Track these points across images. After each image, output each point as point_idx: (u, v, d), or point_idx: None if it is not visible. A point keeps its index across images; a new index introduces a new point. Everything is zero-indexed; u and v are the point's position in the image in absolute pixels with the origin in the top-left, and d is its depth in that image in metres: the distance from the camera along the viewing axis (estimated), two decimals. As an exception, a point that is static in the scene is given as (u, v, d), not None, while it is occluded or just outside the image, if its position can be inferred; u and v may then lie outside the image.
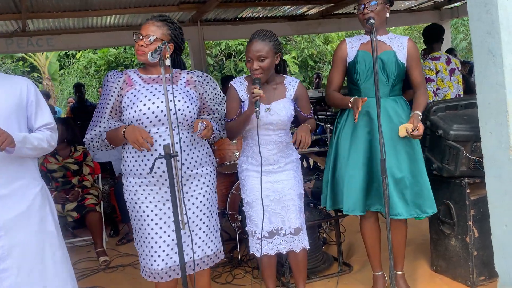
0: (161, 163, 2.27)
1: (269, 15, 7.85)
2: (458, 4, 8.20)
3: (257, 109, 2.36)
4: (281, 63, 2.68)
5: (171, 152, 2.14)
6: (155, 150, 2.31)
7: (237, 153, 3.97)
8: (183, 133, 2.37)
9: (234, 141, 3.99)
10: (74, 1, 5.60)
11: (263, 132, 2.56)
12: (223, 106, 2.62)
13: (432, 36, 4.42)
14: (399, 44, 2.72)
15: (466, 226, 2.82)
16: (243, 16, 7.78)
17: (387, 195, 2.42)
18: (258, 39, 2.50)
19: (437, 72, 4.30)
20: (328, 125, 4.19)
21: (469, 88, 5.14)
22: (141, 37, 2.34)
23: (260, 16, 7.86)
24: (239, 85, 2.62)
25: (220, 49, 14.21)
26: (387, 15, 2.68)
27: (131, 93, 2.36)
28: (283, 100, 2.61)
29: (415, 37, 16.11)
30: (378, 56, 2.68)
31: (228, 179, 4.23)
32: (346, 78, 2.87)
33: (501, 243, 2.22)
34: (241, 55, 14.26)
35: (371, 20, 2.37)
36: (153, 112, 2.30)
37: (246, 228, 2.72)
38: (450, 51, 7.62)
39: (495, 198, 2.22)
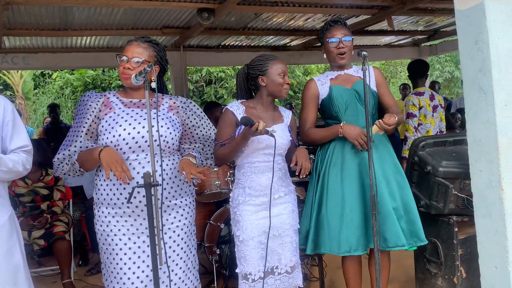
0: (138, 192, 2.14)
1: (252, 44, 7.87)
2: (436, 42, 8.42)
3: (271, 131, 2.30)
4: None
5: (152, 181, 2.01)
6: (133, 178, 2.16)
7: (217, 182, 3.84)
8: (163, 161, 2.24)
9: (215, 169, 3.86)
10: (54, 19, 5.45)
11: (261, 158, 2.44)
12: (209, 131, 2.51)
13: (417, 72, 4.47)
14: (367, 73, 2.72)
15: (453, 266, 2.74)
16: (226, 44, 7.77)
17: (378, 230, 2.33)
18: (282, 60, 2.53)
19: (420, 108, 4.32)
20: (311, 156, 4.11)
21: (449, 125, 5.19)
22: (126, 59, 2.22)
23: (243, 44, 7.87)
24: (236, 109, 2.51)
25: (201, 75, 14.19)
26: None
27: (110, 116, 2.23)
28: (282, 124, 2.54)
29: (391, 72, 16.52)
30: (352, 88, 2.69)
31: (207, 209, 4.07)
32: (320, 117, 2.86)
33: (491, 284, 2.14)
34: (221, 81, 14.26)
35: (364, 53, 2.33)
36: (133, 138, 2.18)
37: (237, 270, 2.50)
38: (434, 83, 7.77)
39: (484, 238, 2.15)
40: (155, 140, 2.16)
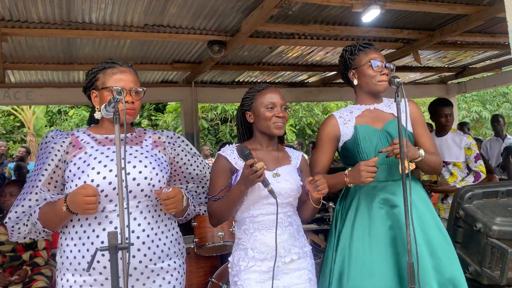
0: (114, 254, 1.64)
1: (267, 80, 7.51)
2: (465, 79, 7.91)
3: (270, 186, 1.81)
4: None
5: (119, 242, 1.52)
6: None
7: (221, 233, 3.32)
8: (149, 211, 1.78)
9: (220, 233, 3.34)
10: (57, 52, 5.19)
11: (266, 210, 1.94)
12: (204, 170, 2.04)
13: (437, 112, 3.86)
14: (402, 109, 2.20)
15: None
16: (240, 80, 7.43)
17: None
18: (275, 89, 2.07)
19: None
20: (331, 204, 3.57)
21: (487, 169, 4.58)
22: (125, 92, 1.80)
23: (258, 80, 7.53)
24: (230, 153, 2.01)
25: (216, 113, 13.91)
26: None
27: (80, 158, 1.77)
28: (289, 166, 2.04)
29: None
30: (383, 129, 2.16)
31: (208, 264, 3.53)
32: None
33: None
34: (237, 120, 13.91)
35: (397, 79, 1.84)
36: (109, 183, 1.71)
37: None
38: (462, 125, 7.20)
39: None
40: (138, 184, 1.74)
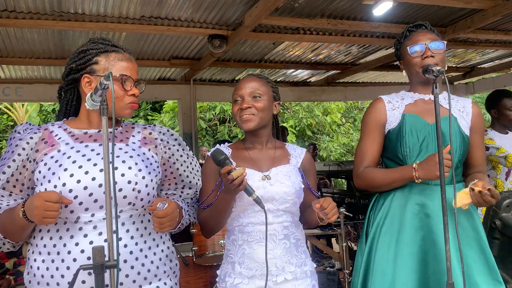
0: (89, 274, 1.36)
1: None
2: (473, 79, 7.65)
3: (254, 194, 1.53)
4: (277, 125, 1.91)
5: (106, 259, 1.24)
6: (82, 251, 1.41)
7: (222, 241, 3.04)
8: (133, 222, 1.50)
9: (222, 241, 3.06)
10: (48, 45, 4.90)
11: (256, 219, 1.67)
12: (198, 175, 1.76)
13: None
14: (460, 108, 1.93)
15: None
16: (241, 79, 7.15)
17: None
18: (253, 76, 1.80)
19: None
20: (342, 209, 3.30)
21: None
22: (131, 83, 1.55)
23: (259, 79, 7.25)
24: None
25: (215, 113, 13.63)
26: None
27: (52, 157, 1.48)
28: (287, 166, 1.76)
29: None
30: (434, 124, 1.86)
31: (208, 274, 3.26)
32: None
33: None
34: (236, 120, 13.65)
35: (438, 68, 1.57)
36: (85, 188, 1.42)
37: None
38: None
39: None
40: (120, 190, 1.45)
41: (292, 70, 6.72)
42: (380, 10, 4.07)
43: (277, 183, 1.68)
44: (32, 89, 5.89)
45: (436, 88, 1.57)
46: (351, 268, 4.03)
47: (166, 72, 6.51)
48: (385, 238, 1.81)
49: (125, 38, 4.86)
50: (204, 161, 1.82)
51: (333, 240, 5.99)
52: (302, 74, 7.08)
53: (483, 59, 6.81)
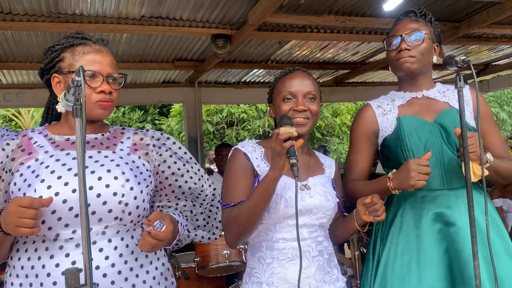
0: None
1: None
2: (488, 77, 7.39)
3: (294, 160, 1.28)
4: None
5: (82, 283, 1.07)
6: (63, 273, 1.25)
7: (226, 251, 2.86)
8: (121, 239, 1.33)
9: (222, 233, 2.88)
10: (47, 49, 4.76)
11: (290, 234, 1.47)
12: (201, 182, 1.57)
13: None
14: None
15: None
16: (247, 80, 6.99)
17: None
18: (306, 73, 1.60)
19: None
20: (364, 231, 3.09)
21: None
22: (100, 79, 1.36)
23: (266, 81, 7.08)
24: (252, 150, 1.54)
25: (222, 116, 13.49)
26: (435, 59, 1.74)
27: (28, 166, 1.32)
28: (323, 176, 1.59)
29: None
30: (435, 121, 1.70)
31: (212, 286, 3.07)
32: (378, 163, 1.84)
33: None
34: (243, 123, 13.50)
35: (462, 57, 1.37)
36: (64, 201, 1.25)
37: None
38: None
39: None
40: (104, 203, 1.29)
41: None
42: (391, 5, 3.87)
43: (317, 195, 1.50)
44: (33, 94, 5.78)
45: (460, 80, 1.38)
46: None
47: (170, 75, 6.37)
48: (403, 259, 1.61)
49: (126, 40, 4.73)
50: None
51: (346, 245, 5.79)
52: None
53: (498, 56, 6.56)
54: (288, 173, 1.47)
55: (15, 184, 1.30)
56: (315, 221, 1.49)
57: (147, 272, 1.37)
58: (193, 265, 2.95)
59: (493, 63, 6.97)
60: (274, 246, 1.47)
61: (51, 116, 1.50)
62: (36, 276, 1.26)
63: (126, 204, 1.31)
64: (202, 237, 1.64)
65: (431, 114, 1.68)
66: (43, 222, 1.25)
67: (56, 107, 1.36)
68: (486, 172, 1.46)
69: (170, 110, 14.22)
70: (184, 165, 1.52)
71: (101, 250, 1.28)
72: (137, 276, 1.33)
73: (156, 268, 1.40)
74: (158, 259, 1.43)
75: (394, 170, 1.54)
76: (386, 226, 1.69)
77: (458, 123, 1.56)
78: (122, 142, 1.45)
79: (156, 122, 15.04)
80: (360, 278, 3.51)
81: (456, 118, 1.60)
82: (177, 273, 2.88)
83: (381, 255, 1.66)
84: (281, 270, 1.46)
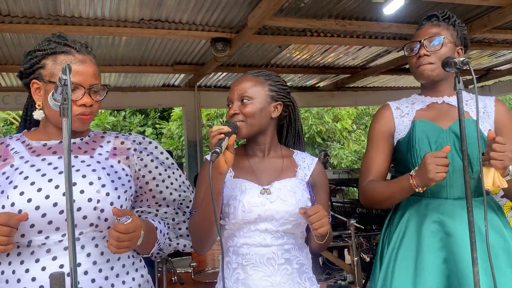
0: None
1: (276, 84, 7.06)
2: (490, 82, 7.36)
3: (216, 149, 1.26)
4: (294, 130, 1.67)
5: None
6: (33, 279, 1.21)
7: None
8: (96, 245, 1.28)
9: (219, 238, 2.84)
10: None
11: (254, 239, 1.44)
12: (183, 187, 1.54)
13: None
14: (480, 108, 1.68)
15: None
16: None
17: None
18: (246, 75, 1.57)
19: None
20: (352, 221, 3.06)
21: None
22: (82, 90, 1.31)
23: (266, 85, 7.06)
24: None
25: (222, 120, 13.47)
26: None
27: (3, 173, 1.28)
28: (292, 179, 1.52)
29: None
30: (449, 129, 1.64)
31: (209, 291, 3.03)
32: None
33: None
34: (244, 128, 13.46)
35: (461, 59, 1.34)
36: (37, 208, 1.21)
37: None
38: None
39: None
40: (78, 209, 1.24)
41: (299, 75, 6.52)
42: (391, 9, 3.85)
43: (278, 200, 1.44)
44: (32, 97, 5.77)
45: (459, 82, 1.35)
46: (363, 281, 3.79)
47: (169, 79, 6.35)
48: (401, 264, 1.57)
49: (126, 43, 4.72)
50: (202, 165, 1.60)
51: (345, 252, 5.74)
52: (310, 78, 6.87)
53: (500, 61, 6.53)
54: (247, 176, 1.49)
55: None
56: (278, 227, 1.44)
57: (123, 282, 1.31)
58: (189, 270, 2.91)
59: (494, 69, 6.95)
60: (239, 252, 1.44)
61: (29, 120, 1.45)
62: (6, 282, 1.22)
63: (102, 210, 1.26)
64: (185, 245, 1.59)
65: (448, 121, 1.63)
66: (16, 229, 1.22)
67: (33, 114, 1.33)
68: (505, 185, 1.42)
69: (171, 114, 14.19)
70: (165, 170, 1.49)
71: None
72: (112, 286, 1.28)
73: (134, 279, 1.35)
74: (137, 270, 1.38)
75: (415, 169, 1.50)
76: (392, 229, 1.66)
77: (473, 133, 1.54)
78: (101, 146, 1.41)
79: (157, 126, 15.01)
80: (359, 284, 3.48)
81: (471, 129, 1.55)
82: (172, 278, 2.84)
83: (385, 255, 1.63)
84: (245, 276, 1.42)
